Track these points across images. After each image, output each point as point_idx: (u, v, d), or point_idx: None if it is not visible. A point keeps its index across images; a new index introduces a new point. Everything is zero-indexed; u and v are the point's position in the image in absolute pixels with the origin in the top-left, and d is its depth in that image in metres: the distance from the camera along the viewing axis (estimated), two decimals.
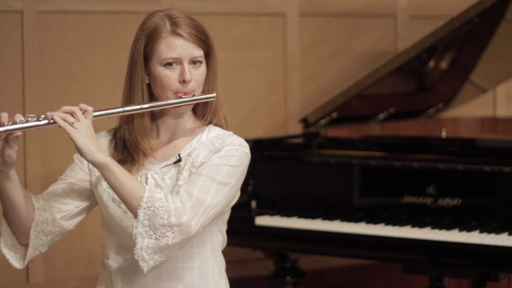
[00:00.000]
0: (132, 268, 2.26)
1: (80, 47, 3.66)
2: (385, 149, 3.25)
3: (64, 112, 2.12)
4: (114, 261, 2.29)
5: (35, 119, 2.11)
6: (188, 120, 2.31)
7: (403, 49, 3.80)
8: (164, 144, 2.30)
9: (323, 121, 3.65)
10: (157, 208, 2.10)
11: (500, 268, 2.83)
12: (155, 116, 2.30)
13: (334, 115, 3.66)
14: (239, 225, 3.17)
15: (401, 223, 3.01)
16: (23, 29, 3.54)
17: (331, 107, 3.63)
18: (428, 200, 3.03)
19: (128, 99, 2.25)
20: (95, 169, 2.27)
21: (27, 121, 2.10)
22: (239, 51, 4.00)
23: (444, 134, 3.59)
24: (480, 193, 2.98)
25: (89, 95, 3.65)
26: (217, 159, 2.21)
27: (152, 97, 2.27)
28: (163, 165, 2.26)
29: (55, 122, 2.10)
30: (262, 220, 3.20)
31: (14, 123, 2.09)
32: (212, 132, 2.30)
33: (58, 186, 2.30)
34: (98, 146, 2.12)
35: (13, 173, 2.16)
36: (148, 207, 2.10)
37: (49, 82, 3.61)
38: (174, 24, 2.22)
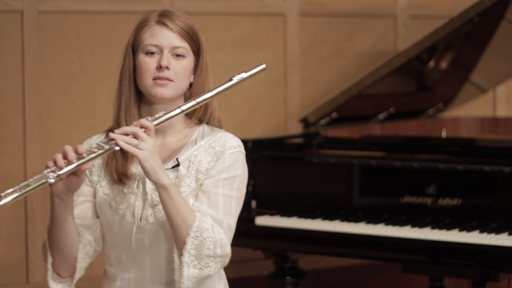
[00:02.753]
0: (131, 276, 2.27)
1: (80, 47, 3.66)
2: (385, 149, 3.25)
3: (126, 133, 2.10)
4: (114, 269, 2.29)
5: (99, 148, 2.09)
6: (179, 118, 2.28)
7: (403, 49, 3.80)
8: (158, 146, 2.27)
9: (323, 121, 3.65)
10: (205, 238, 2.12)
11: (500, 268, 2.83)
12: (143, 114, 2.28)
13: (334, 115, 3.66)
14: (239, 225, 3.14)
15: (401, 223, 3.01)
16: (23, 29, 3.54)
17: (331, 107, 3.63)
18: (428, 200, 3.03)
19: (119, 91, 2.26)
20: (93, 178, 2.27)
21: (91, 152, 2.07)
22: (239, 51, 4.00)
23: (444, 134, 3.59)
24: (480, 193, 2.98)
25: (89, 95, 3.66)
26: (226, 173, 2.23)
27: (138, 89, 2.26)
28: None
29: (118, 146, 2.09)
30: (262, 220, 3.20)
31: (80, 157, 2.07)
32: (205, 132, 2.30)
33: (75, 210, 2.27)
34: (162, 167, 2.12)
35: (71, 200, 2.16)
36: (196, 236, 2.12)
37: (49, 82, 3.61)
38: (162, 15, 2.23)
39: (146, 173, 2.11)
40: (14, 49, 3.55)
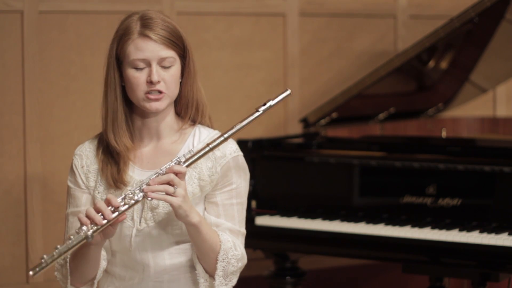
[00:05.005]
0: (136, 276, 2.28)
1: (80, 47, 3.66)
2: (385, 149, 3.25)
3: (160, 183, 2.10)
4: (119, 269, 2.30)
5: (133, 200, 2.09)
6: (171, 121, 2.29)
7: (403, 49, 3.80)
8: (152, 149, 2.28)
9: (323, 121, 3.65)
10: (230, 258, 2.22)
11: (500, 268, 2.83)
12: (135, 120, 2.28)
13: (334, 115, 3.66)
14: None
15: (401, 223, 3.01)
16: (23, 29, 3.54)
17: (331, 107, 3.63)
18: (428, 200, 3.03)
19: (105, 101, 2.25)
20: (90, 184, 2.27)
21: (126, 204, 2.08)
22: (239, 51, 4.00)
23: (444, 134, 3.59)
24: (480, 193, 2.98)
25: (89, 95, 3.65)
26: (234, 182, 2.28)
27: (127, 100, 2.25)
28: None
29: (150, 198, 2.10)
30: (262, 220, 3.20)
31: (116, 209, 2.08)
32: (202, 134, 2.30)
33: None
34: (192, 207, 2.14)
35: (104, 242, 2.17)
36: (223, 259, 2.21)
37: (49, 82, 3.61)
38: (144, 26, 2.20)
39: (178, 216, 2.13)
40: (14, 49, 3.55)
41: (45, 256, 2.05)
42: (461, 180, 3.01)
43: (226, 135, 2.17)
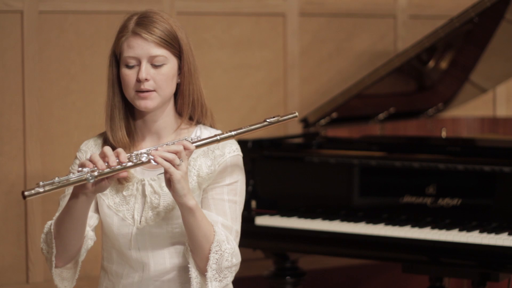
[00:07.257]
0: (136, 275, 2.28)
1: (80, 47, 3.66)
2: (385, 149, 3.25)
3: (169, 151, 2.10)
4: (116, 267, 2.30)
5: (139, 159, 2.08)
6: (170, 120, 2.29)
7: (403, 49, 3.80)
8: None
9: (323, 121, 3.65)
10: (224, 251, 2.18)
11: (500, 268, 2.83)
12: (136, 119, 2.28)
13: (334, 115, 3.66)
14: None
15: (401, 223, 3.01)
16: (23, 29, 3.54)
17: (331, 107, 3.63)
18: (428, 200, 3.03)
19: (106, 100, 2.26)
20: None
21: (130, 160, 2.07)
22: (239, 51, 4.00)
23: (444, 134, 3.59)
24: (480, 193, 2.98)
25: (89, 95, 3.66)
26: (228, 179, 2.26)
27: (125, 98, 2.26)
28: (159, 171, 2.24)
29: (156, 162, 2.09)
30: (262, 220, 3.20)
31: (120, 163, 2.07)
32: (203, 135, 2.29)
33: None
34: (190, 190, 2.13)
35: (93, 198, 2.17)
36: (216, 251, 2.17)
37: (49, 82, 3.61)
38: (138, 24, 2.21)
39: (175, 193, 2.11)
40: (14, 49, 3.55)
41: (41, 182, 2.03)
42: (461, 180, 3.01)
43: (234, 133, 2.17)
